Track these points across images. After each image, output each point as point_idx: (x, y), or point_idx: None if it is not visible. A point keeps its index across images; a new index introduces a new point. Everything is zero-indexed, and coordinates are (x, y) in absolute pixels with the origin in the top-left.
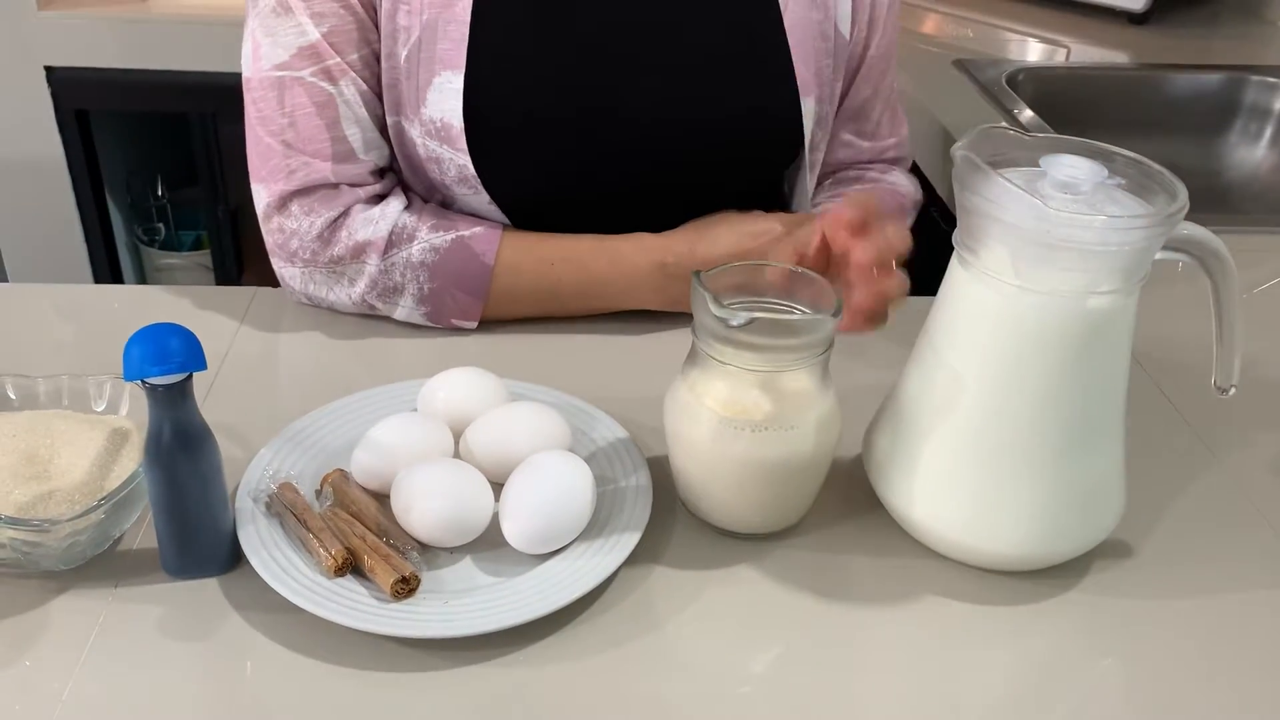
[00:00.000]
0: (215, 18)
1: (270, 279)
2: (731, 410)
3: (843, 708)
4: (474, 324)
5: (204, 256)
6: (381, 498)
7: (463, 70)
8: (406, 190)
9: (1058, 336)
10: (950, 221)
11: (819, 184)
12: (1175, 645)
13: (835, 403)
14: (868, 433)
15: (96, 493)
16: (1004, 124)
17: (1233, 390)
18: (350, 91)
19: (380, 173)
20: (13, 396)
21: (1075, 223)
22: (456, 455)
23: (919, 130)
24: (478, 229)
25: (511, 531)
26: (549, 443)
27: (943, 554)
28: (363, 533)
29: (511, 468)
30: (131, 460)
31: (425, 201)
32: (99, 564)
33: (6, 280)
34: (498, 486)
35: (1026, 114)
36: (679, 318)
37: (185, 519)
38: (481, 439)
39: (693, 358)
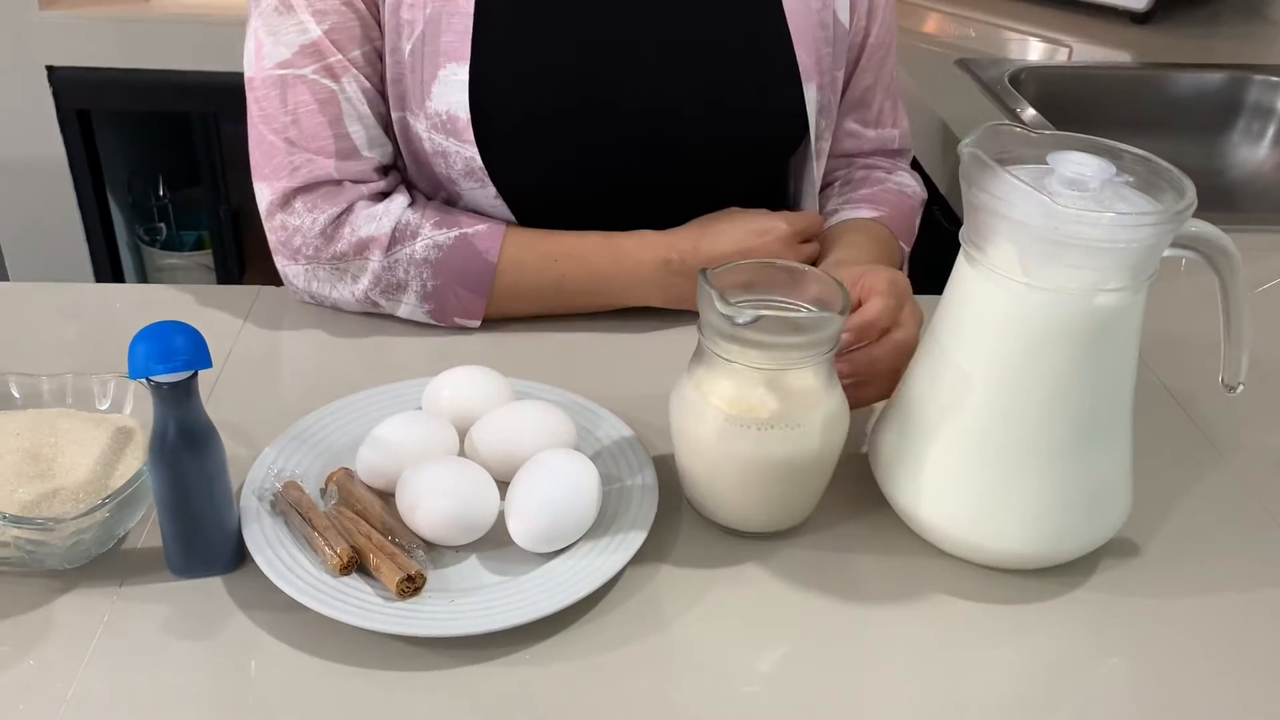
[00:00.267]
0: (217, 17)
1: (272, 279)
2: (737, 408)
3: (849, 707)
4: (477, 322)
5: (205, 256)
6: (386, 496)
7: (468, 62)
8: (411, 188)
9: (1065, 334)
10: (953, 220)
11: (829, 185)
12: (1182, 644)
13: (841, 401)
14: (874, 431)
15: (101, 491)
16: (1012, 121)
17: (1240, 388)
18: (352, 88)
19: (384, 170)
20: (16, 395)
21: (1083, 219)
22: (461, 454)
23: (921, 129)
24: (481, 226)
25: (517, 530)
26: (554, 441)
27: (949, 552)
28: (368, 531)
29: (517, 466)
30: (136, 459)
31: (429, 199)
32: (103, 563)
33: (8, 280)
34: (503, 485)
35: (1029, 113)
36: (683, 315)
37: (190, 518)
38: (487, 437)
39: (698, 356)
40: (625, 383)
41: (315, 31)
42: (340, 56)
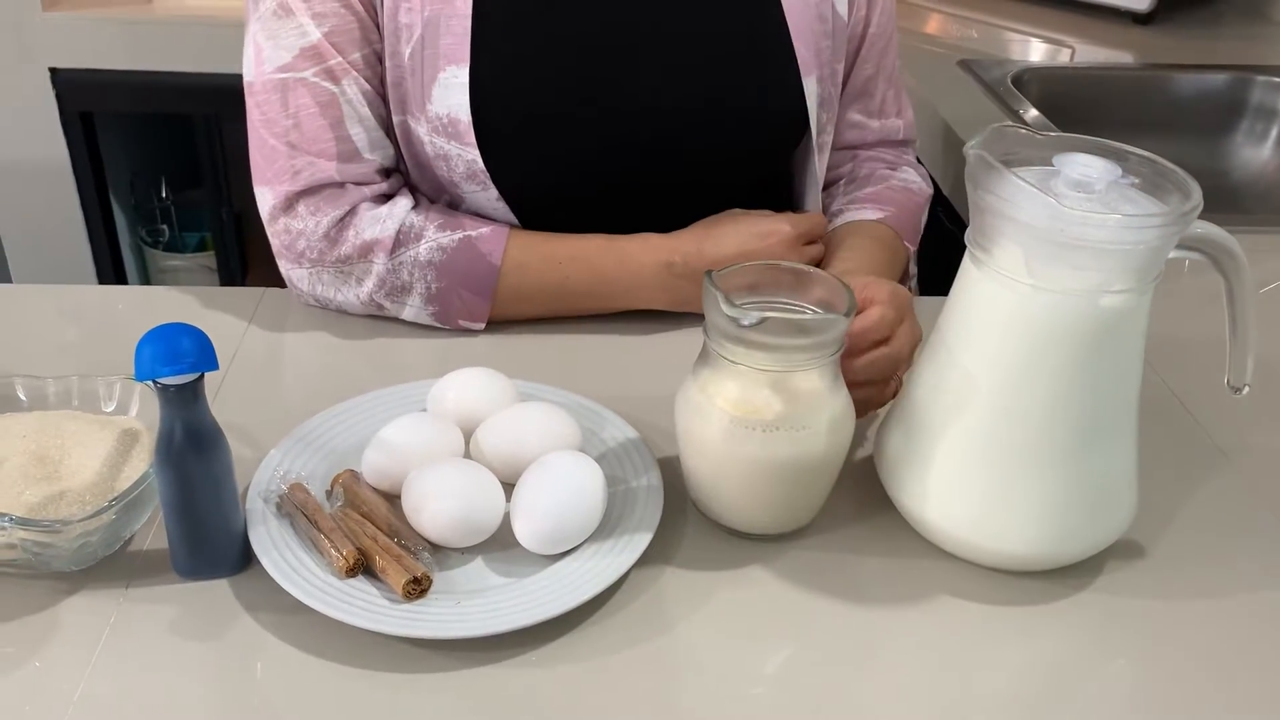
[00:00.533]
0: (219, 19)
1: (275, 280)
2: (743, 410)
3: (855, 708)
4: (481, 325)
5: (208, 258)
6: (392, 498)
7: (467, 64)
8: (414, 191)
9: (1071, 336)
10: (957, 220)
11: (833, 182)
12: (1188, 646)
13: (847, 403)
14: (879, 433)
15: (107, 493)
16: (1017, 123)
17: (1246, 389)
18: (353, 91)
19: (386, 172)
20: (22, 397)
21: (1089, 221)
22: (467, 456)
23: (924, 130)
24: (485, 229)
25: (523, 532)
26: (560, 443)
27: (954, 554)
28: (374, 533)
29: (522, 468)
30: (142, 461)
31: (432, 203)
32: (109, 565)
33: (11, 281)
34: (508, 487)
35: (1032, 114)
36: (688, 317)
37: (196, 519)
38: (492, 439)
39: (704, 357)
40: (630, 384)
41: (315, 34)
42: (340, 59)
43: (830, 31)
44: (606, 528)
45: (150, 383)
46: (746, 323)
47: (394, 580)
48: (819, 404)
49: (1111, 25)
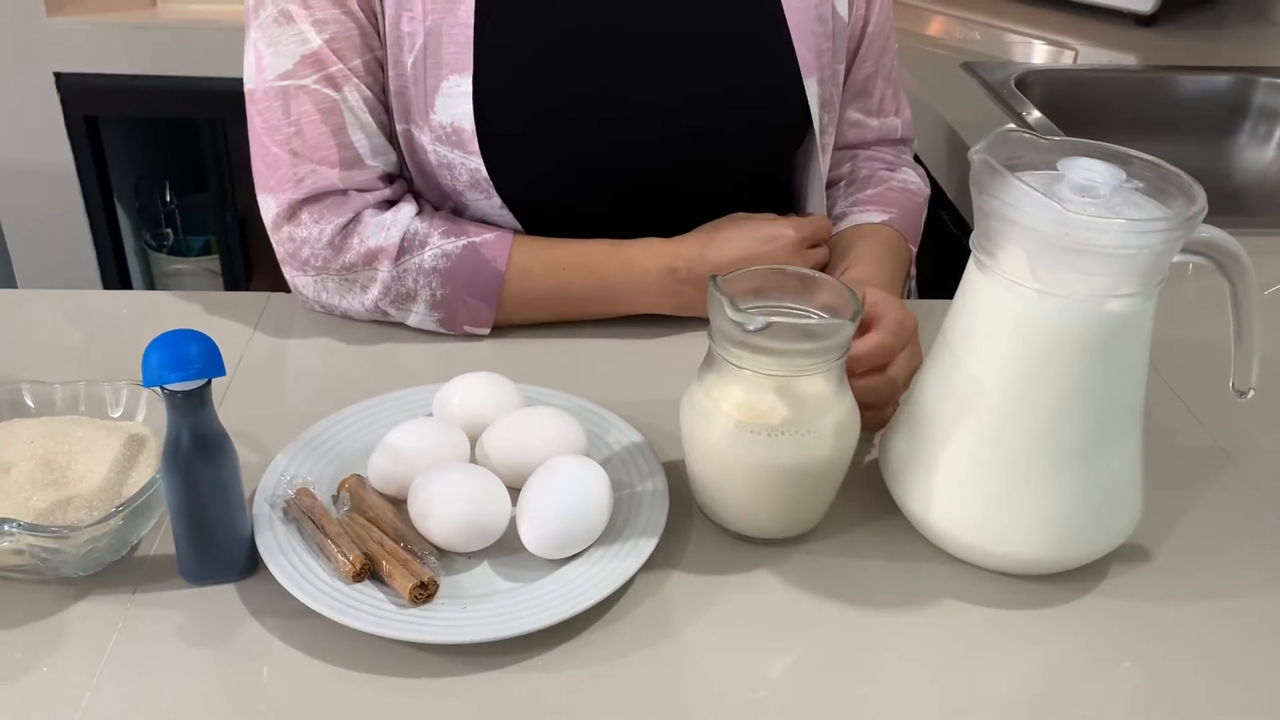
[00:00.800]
0: (223, 24)
1: (279, 285)
2: (748, 414)
3: (860, 712)
4: (486, 330)
5: (212, 262)
6: (398, 503)
7: (470, 73)
8: (418, 198)
9: (1076, 340)
10: (960, 224)
11: (834, 183)
12: (1193, 649)
13: (852, 407)
14: (884, 437)
15: (114, 499)
16: (1021, 127)
17: (1251, 393)
18: (354, 97)
19: (389, 178)
20: (30, 403)
21: (1094, 226)
22: (472, 460)
23: (927, 133)
24: (489, 235)
25: (529, 536)
26: (565, 447)
27: (960, 558)
28: (380, 538)
29: (528, 472)
30: (149, 466)
31: (436, 209)
32: (117, 570)
33: (16, 286)
34: (514, 491)
35: (1035, 116)
36: (692, 321)
37: (203, 525)
38: (498, 444)
39: (709, 362)
40: (635, 388)
41: (316, 41)
42: (341, 66)
43: (831, 33)
44: (612, 532)
45: (158, 389)
46: (752, 327)
47: (400, 585)
48: (824, 408)
49: (1114, 27)
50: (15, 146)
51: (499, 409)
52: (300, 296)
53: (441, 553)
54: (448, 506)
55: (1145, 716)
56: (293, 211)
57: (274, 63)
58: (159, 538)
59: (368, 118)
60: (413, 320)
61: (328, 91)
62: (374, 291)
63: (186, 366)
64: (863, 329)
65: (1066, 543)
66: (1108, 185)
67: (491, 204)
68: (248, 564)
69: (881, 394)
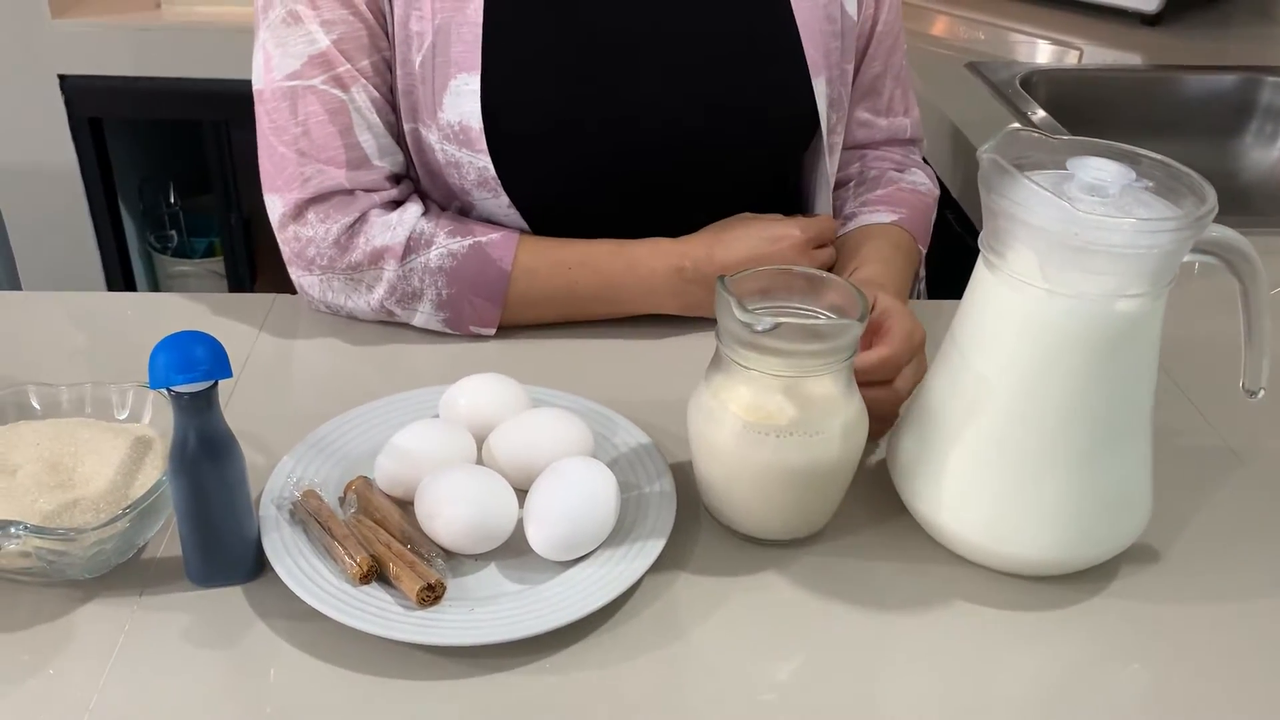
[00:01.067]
0: (227, 25)
1: (284, 286)
2: (756, 415)
3: (868, 714)
4: (492, 330)
5: (216, 263)
6: (405, 505)
7: (479, 72)
8: (424, 198)
9: (1085, 340)
10: (966, 224)
11: (843, 184)
12: (1203, 650)
13: (860, 408)
14: (893, 438)
15: (121, 501)
16: (1030, 127)
17: (1262, 393)
18: (362, 98)
19: (395, 179)
20: (36, 405)
21: (1104, 225)
22: (479, 461)
23: (933, 133)
24: (495, 235)
25: (536, 538)
26: (572, 449)
27: (968, 559)
28: (387, 540)
29: (535, 474)
30: (155, 468)
31: (443, 209)
32: (123, 572)
33: (20, 288)
34: (521, 493)
35: (1040, 115)
36: (698, 321)
37: (210, 527)
38: (505, 445)
39: (716, 362)
40: (642, 389)
41: (324, 42)
42: (349, 66)
43: (839, 32)
44: (619, 534)
45: (164, 390)
46: (760, 328)
47: (408, 587)
48: (832, 409)
49: (1120, 26)
50: (20, 149)
51: (506, 410)
52: (306, 297)
53: (449, 555)
54: (455, 508)
55: (1155, 718)
56: (299, 211)
57: (282, 63)
58: (165, 540)
59: (375, 118)
60: (418, 320)
61: (335, 92)
62: (379, 291)
63: (193, 368)
64: (871, 338)
65: (1076, 543)
66: (1117, 184)
67: (499, 203)
68: (254, 566)
69: (885, 406)
